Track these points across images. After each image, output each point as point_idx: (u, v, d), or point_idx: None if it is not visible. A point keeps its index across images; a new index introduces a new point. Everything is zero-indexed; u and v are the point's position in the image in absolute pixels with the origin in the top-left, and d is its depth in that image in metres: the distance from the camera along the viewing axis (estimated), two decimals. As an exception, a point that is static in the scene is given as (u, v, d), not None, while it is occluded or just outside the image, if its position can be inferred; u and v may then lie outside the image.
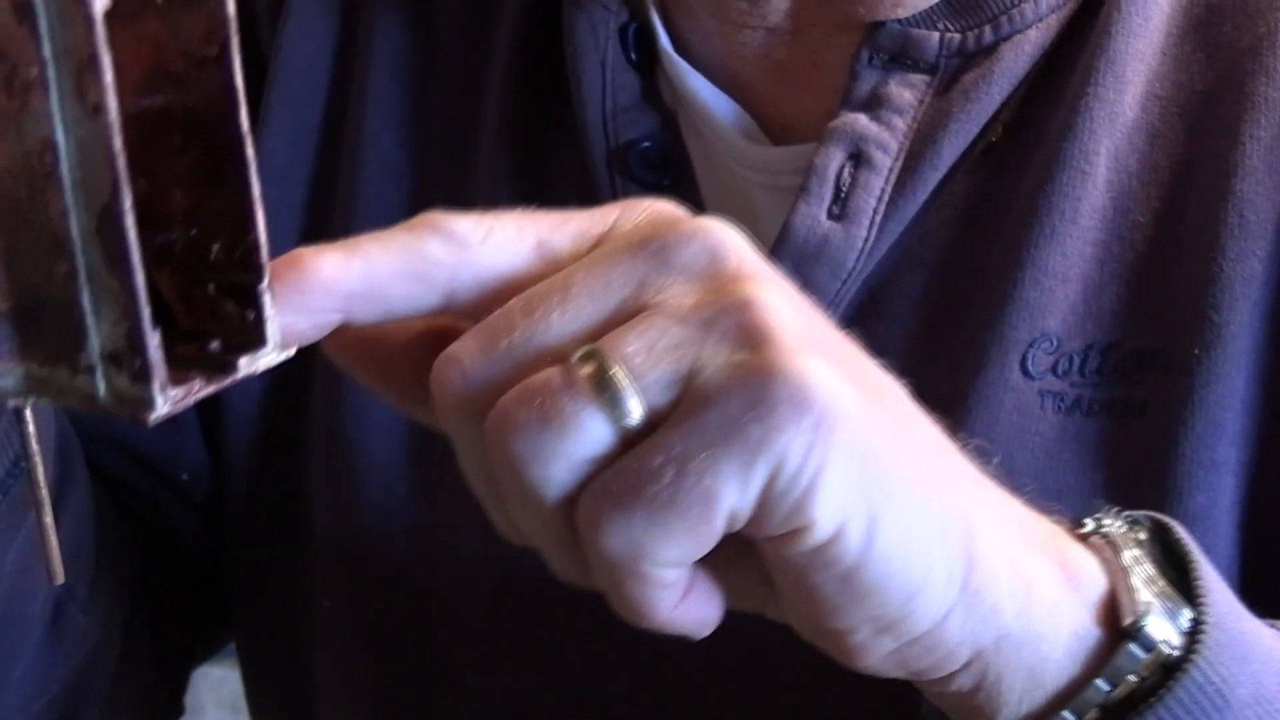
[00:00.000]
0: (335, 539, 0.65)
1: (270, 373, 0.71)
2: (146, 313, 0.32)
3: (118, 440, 0.67)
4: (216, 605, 0.72)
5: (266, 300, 0.36)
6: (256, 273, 0.35)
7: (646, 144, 0.62)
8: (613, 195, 0.61)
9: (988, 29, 0.57)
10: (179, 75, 0.35)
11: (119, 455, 0.67)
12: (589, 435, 0.37)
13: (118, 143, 0.31)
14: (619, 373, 0.37)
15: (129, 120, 0.32)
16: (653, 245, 0.39)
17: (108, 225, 0.31)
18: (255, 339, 0.36)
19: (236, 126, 0.34)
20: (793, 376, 0.36)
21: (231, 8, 0.34)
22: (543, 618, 0.61)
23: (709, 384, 0.37)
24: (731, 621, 0.42)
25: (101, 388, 0.33)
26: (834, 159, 0.58)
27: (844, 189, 0.57)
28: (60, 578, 0.39)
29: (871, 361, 0.41)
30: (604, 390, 0.37)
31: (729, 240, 0.39)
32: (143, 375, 0.32)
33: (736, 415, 0.36)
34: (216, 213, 0.36)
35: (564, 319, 0.38)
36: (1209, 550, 0.53)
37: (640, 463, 0.37)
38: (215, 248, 0.36)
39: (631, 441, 0.37)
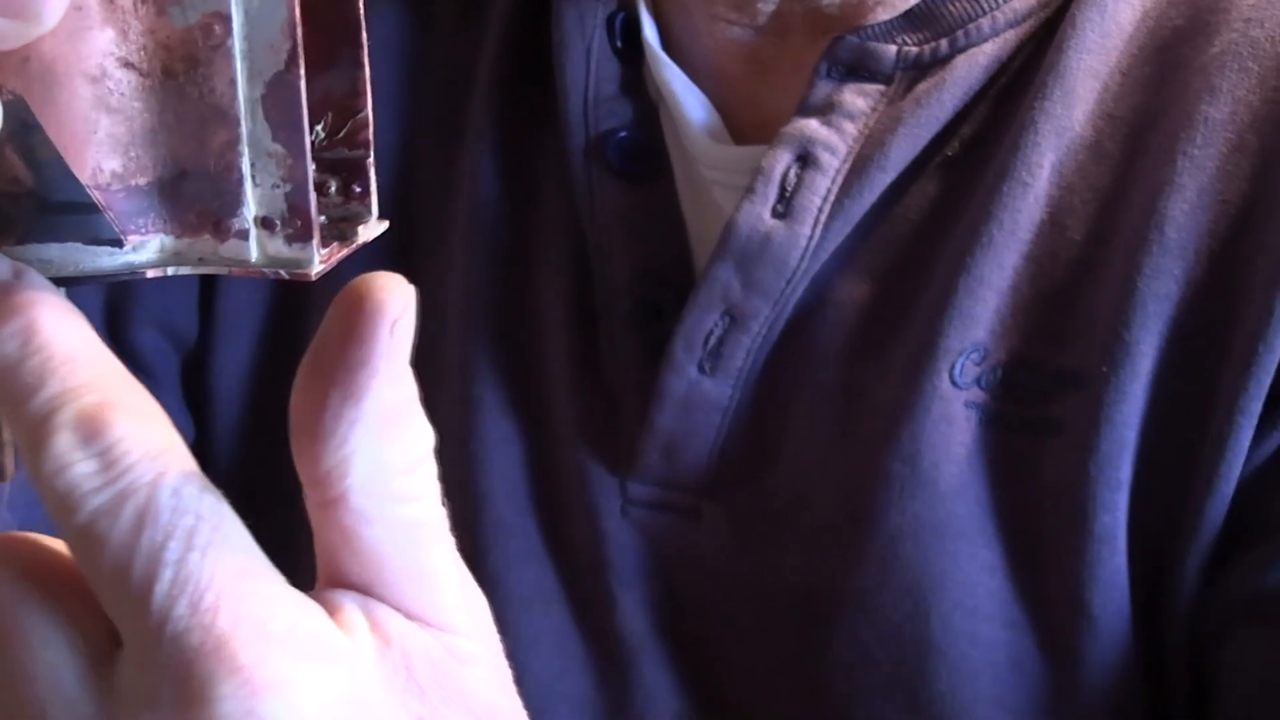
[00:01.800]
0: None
1: (255, 350, 0.72)
2: (310, 175, 0.33)
3: None
4: None
5: (372, 174, 0.37)
6: (365, 147, 0.37)
7: (624, 134, 0.63)
8: (588, 184, 0.63)
9: (944, 42, 0.58)
10: None
11: None
12: None
13: (296, 12, 0.32)
14: None
15: None
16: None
17: (280, 93, 0.33)
18: (364, 211, 0.37)
19: (355, 4, 0.36)
20: None
21: None
22: (518, 609, 0.63)
23: None
24: None
25: (254, 251, 0.34)
26: (781, 160, 0.58)
27: (789, 189, 0.58)
28: (11, 472, 0.40)
29: None
30: None
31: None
32: (302, 235, 0.34)
33: None
34: (321, 97, 0.37)
35: None
36: (1115, 572, 0.55)
37: None
38: (319, 128, 0.37)
39: None
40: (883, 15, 0.59)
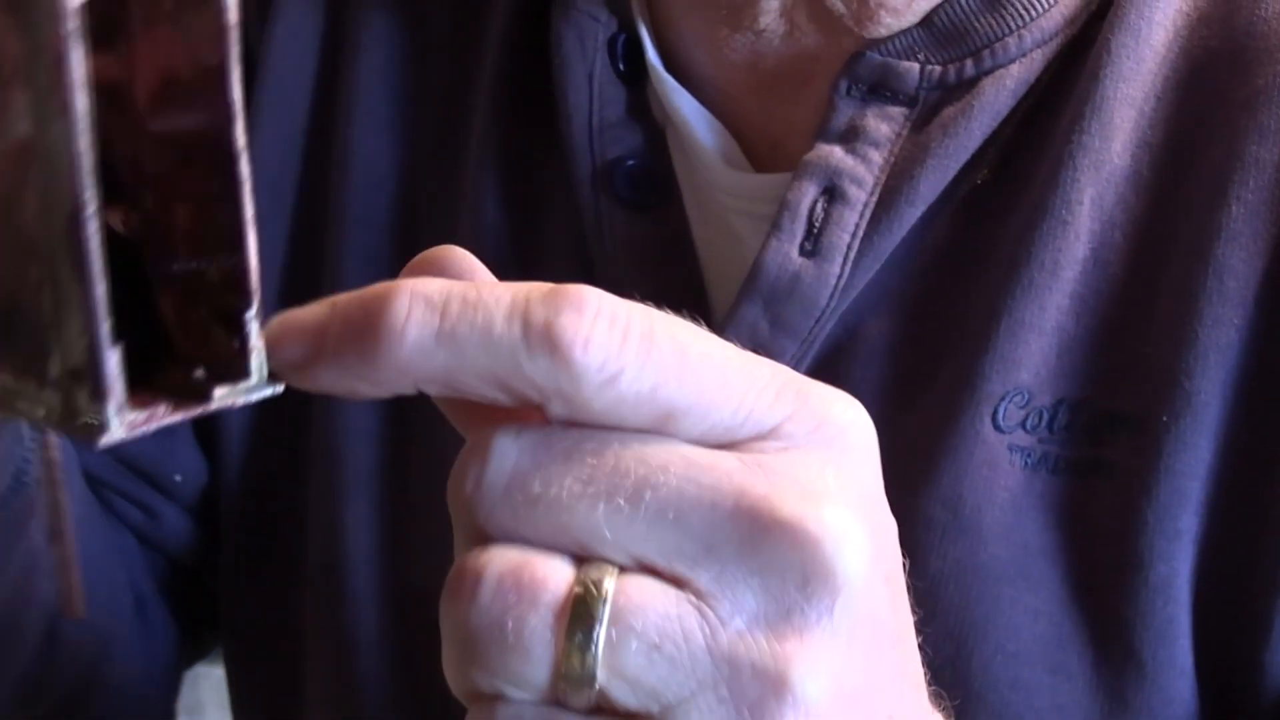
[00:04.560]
0: (324, 552, 0.64)
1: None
2: (104, 328, 0.30)
3: None
4: (204, 608, 0.71)
5: (253, 329, 0.33)
6: (244, 298, 0.33)
7: (631, 162, 0.60)
8: (595, 214, 0.60)
9: (969, 62, 0.56)
10: (189, 85, 0.33)
11: (103, 455, 0.66)
12: (522, 673, 0.32)
13: (83, 143, 0.29)
14: (600, 644, 0.32)
15: (148, 135, 0.31)
16: (757, 525, 0.32)
17: (73, 230, 0.30)
18: (239, 369, 0.34)
19: (232, 140, 0.33)
20: None
21: (234, 13, 0.33)
22: None
23: None
24: None
25: (60, 404, 0.31)
26: (807, 193, 0.56)
27: (817, 224, 0.56)
28: (82, 611, 0.38)
29: None
30: (571, 655, 0.32)
31: (840, 572, 0.33)
32: (98, 394, 0.30)
33: None
34: (217, 234, 0.34)
35: (616, 522, 0.32)
36: (1170, 622, 0.53)
37: None
38: (212, 269, 0.34)
39: (558, 702, 0.32)
40: (888, 19, 0.56)
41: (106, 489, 0.66)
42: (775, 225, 0.56)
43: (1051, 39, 0.56)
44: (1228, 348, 0.53)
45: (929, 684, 0.39)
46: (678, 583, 0.32)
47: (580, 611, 0.32)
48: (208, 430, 0.68)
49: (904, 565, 0.37)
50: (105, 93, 0.31)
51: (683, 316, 0.59)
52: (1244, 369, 0.53)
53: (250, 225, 0.33)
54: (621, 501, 0.32)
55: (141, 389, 0.32)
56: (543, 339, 0.32)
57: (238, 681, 0.71)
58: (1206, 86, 0.55)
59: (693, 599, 0.32)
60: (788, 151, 0.58)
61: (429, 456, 0.63)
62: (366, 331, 0.32)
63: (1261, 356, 0.53)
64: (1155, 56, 0.55)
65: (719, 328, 0.57)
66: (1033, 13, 0.55)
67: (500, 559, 0.32)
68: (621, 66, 0.61)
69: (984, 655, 0.55)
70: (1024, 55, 0.56)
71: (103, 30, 0.32)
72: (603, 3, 0.61)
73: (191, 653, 0.74)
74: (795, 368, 0.57)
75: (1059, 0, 0.56)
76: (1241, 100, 0.54)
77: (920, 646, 0.55)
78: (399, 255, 0.66)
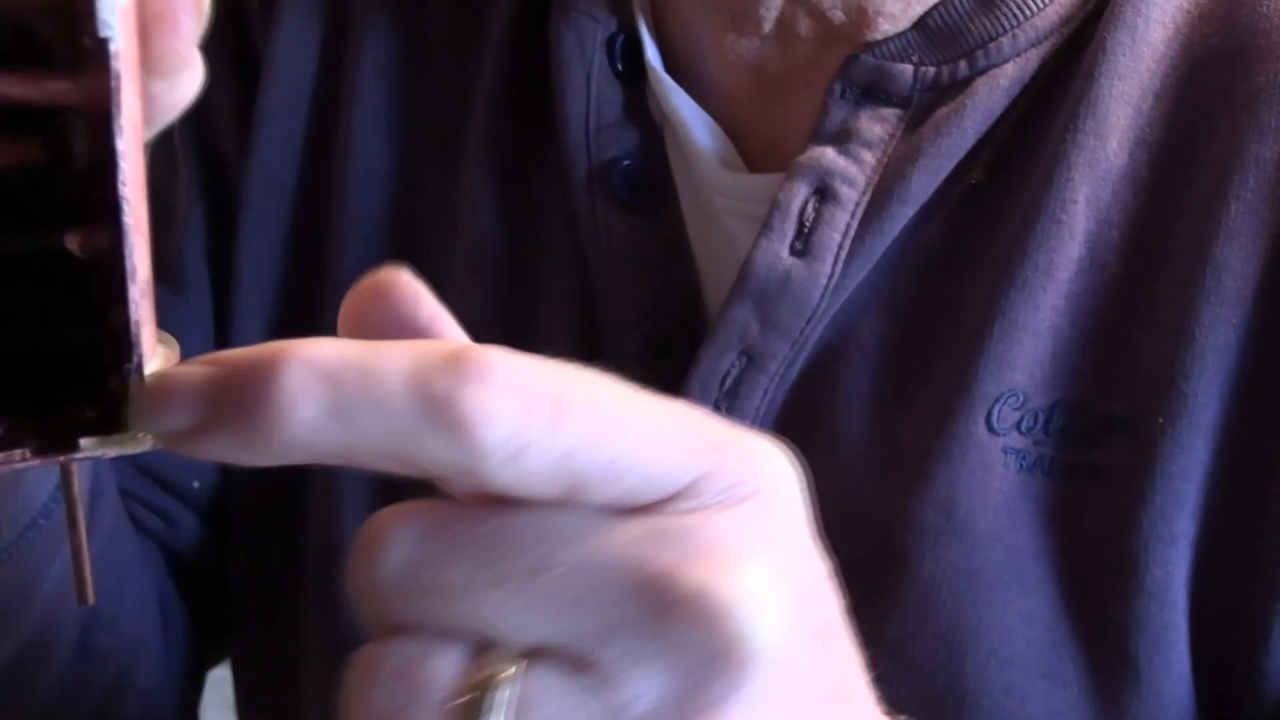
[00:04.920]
0: (323, 550, 0.65)
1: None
2: None
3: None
4: (218, 612, 0.71)
5: (132, 383, 0.32)
6: (124, 350, 0.32)
7: (627, 162, 0.60)
8: (591, 215, 0.60)
9: (963, 63, 0.55)
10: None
11: (127, 465, 0.66)
12: None
13: None
14: None
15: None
16: (659, 601, 0.30)
17: None
18: (119, 421, 0.32)
19: (115, 190, 0.31)
20: None
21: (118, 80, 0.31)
22: None
23: None
24: None
25: None
26: (798, 193, 0.56)
27: (807, 224, 0.56)
28: (91, 599, 0.37)
29: None
30: None
31: (753, 642, 0.31)
32: None
33: None
34: (114, 284, 0.32)
35: (513, 608, 0.31)
36: (1165, 627, 0.52)
37: None
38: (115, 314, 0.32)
39: None
40: (885, 25, 0.56)
41: (128, 498, 0.67)
42: (766, 225, 0.56)
43: (1046, 38, 0.55)
44: (1225, 348, 0.52)
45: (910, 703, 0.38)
46: (583, 665, 0.31)
47: (472, 711, 0.30)
48: None
49: (843, 607, 0.35)
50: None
51: (677, 319, 0.60)
52: (1241, 370, 0.52)
53: (131, 280, 0.31)
54: (517, 586, 0.30)
55: (26, 421, 0.31)
56: (444, 417, 0.30)
57: (242, 681, 0.72)
58: (1206, 84, 0.54)
59: (596, 684, 0.31)
60: (784, 154, 0.58)
61: None
62: (252, 406, 0.30)
63: (1259, 357, 0.52)
64: (1154, 54, 0.55)
65: (711, 329, 0.57)
66: (1027, 12, 0.55)
67: (394, 655, 0.31)
68: (620, 67, 0.61)
69: (978, 660, 0.54)
70: (1018, 55, 0.55)
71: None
72: (603, 3, 0.61)
73: (210, 656, 0.74)
74: (787, 369, 0.57)
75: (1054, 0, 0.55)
76: (1242, 98, 0.53)
77: (912, 655, 0.55)
78: (397, 255, 0.66)
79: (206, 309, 0.68)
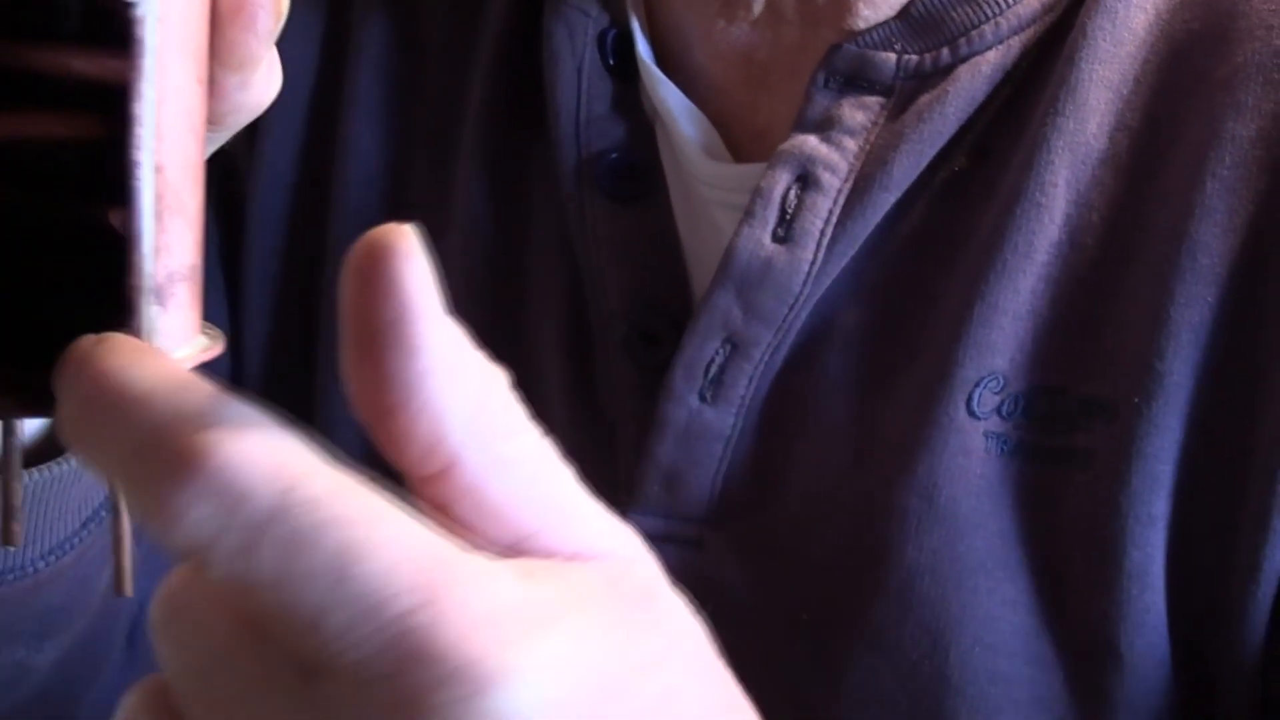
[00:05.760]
0: None
1: (280, 365, 0.72)
2: None
3: None
4: None
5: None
6: (124, 318, 0.32)
7: (615, 155, 0.61)
8: (579, 207, 0.61)
9: (945, 50, 0.56)
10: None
11: None
12: None
13: None
14: None
15: None
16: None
17: None
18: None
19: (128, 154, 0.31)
20: None
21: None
22: None
23: None
24: None
25: None
26: (780, 181, 0.56)
27: (790, 211, 0.56)
28: (129, 589, 0.36)
29: None
30: None
31: None
32: None
33: None
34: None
35: None
36: (1146, 610, 0.52)
37: None
38: None
39: None
40: (866, 12, 0.57)
41: None
42: (748, 212, 0.56)
43: (1029, 25, 0.56)
44: (1200, 327, 0.52)
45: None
46: None
47: None
48: None
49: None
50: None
51: (663, 308, 0.61)
52: (1215, 348, 0.52)
53: (136, 245, 0.31)
54: None
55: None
56: (146, 502, 0.28)
57: None
58: (1186, 68, 0.54)
59: None
60: (771, 144, 0.58)
61: None
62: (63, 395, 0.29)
63: (1233, 334, 0.52)
64: (1135, 39, 0.55)
65: (694, 316, 0.58)
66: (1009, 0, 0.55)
67: None
68: (611, 61, 0.62)
69: (962, 647, 0.54)
70: (1001, 42, 0.55)
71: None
72: None
73: None
74: (772, 357, 0.57)
75: None
76: (1221, 79, 0.53)
77: (896, 643, 0.55)
78: None
79: (221, 306, 0.68)
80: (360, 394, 0.29)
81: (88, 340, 0.29)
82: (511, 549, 0.30)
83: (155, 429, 0.27)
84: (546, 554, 0.30)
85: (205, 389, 0.28)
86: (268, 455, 0.27)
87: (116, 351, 0.29)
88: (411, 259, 0.29)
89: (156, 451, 0.27)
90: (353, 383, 0.29)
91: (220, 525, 0.27)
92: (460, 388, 0.29)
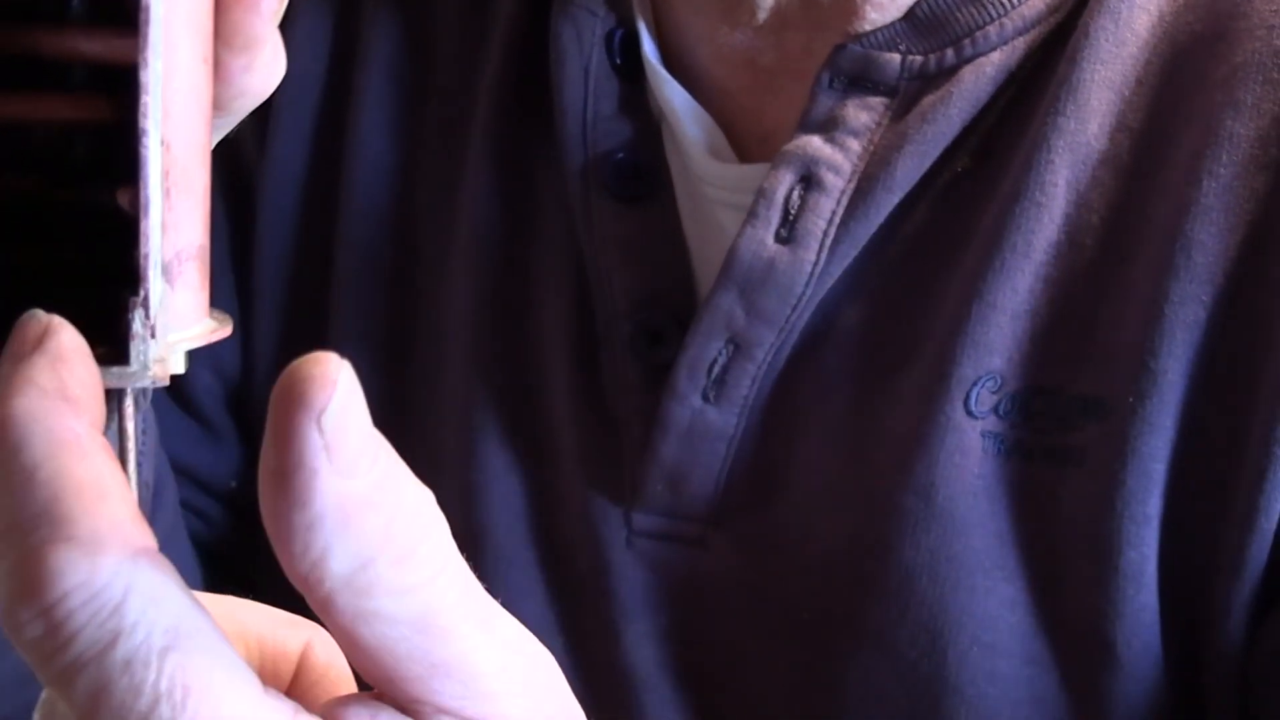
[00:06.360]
0: None
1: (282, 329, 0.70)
2: None
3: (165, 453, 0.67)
4: None
5: (135, 316, 0.31)
6: (134, 285, 0.31)
7: (621, 155, 0.61)
8: (585, 206, 0.61)
9: (949, 51, 0.56)
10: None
11: (170, 467, 0.67)
12: None
13: None
14: None
15: None
16: None
17: None
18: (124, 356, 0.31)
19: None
20: None
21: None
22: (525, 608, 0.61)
23: None
24: None
25: None
26: (784, 181, 0.57)
27: (793, 212, 0.56)
28: None
29: None
30: None
31: None
32: None
33: None
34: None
35: None
36: (1142, 609, 0.52)
37: None
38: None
39: None
40: (872, 14, 0.57)
41: None
42: (751, 213, 0.57)
43: (1033, 27, 0.56)
44: (1194, 325, 0.52)
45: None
46: None
47: None
48: (251, 432, 0.69)
49: None
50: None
51: (668, 308, 0.61)
52: (1209, 346, 0.52)
53: (145, 212, 0.31)
54: None
55: None
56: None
57: None
58: (1187, 69, 0.54)
59: None
60: (777, 145, 0.58)
61: (424, 455, 0.63)
62: None
63: (1226, 333, 0.52)
64: (1138, 41, 0.55)
65: (697, 316, 0.58)
66: (1014, 1, 0.55)
67: None
68: (618, 61, 0.62)
69: (960, 647, 0.54)
70: (1005, 43, 0.56)
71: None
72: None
73: None
74: (775, 358, 0.58)
75: None
76: (1220, 78, 0.53)
77: (894, 642, 0.55)
78: (397, 249, 0.67)
79: (232, 304, 0.69)
80: (264, 506, 0.28)
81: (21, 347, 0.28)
82: (385, 688, 0.29)
83: (17, 524, 0.26)
84: (420, 703, 0.29)
85: (95, 469, 0.26)
86: (109, 585, 0.26)
87: (34, 393, 0.27)
88: (326, 413, 0.27)
89: (11, 549, 0.26)
90: (260, 493, 0.28)
91: (48, 650, 0.26)
92: (348, 541, 0.27)
